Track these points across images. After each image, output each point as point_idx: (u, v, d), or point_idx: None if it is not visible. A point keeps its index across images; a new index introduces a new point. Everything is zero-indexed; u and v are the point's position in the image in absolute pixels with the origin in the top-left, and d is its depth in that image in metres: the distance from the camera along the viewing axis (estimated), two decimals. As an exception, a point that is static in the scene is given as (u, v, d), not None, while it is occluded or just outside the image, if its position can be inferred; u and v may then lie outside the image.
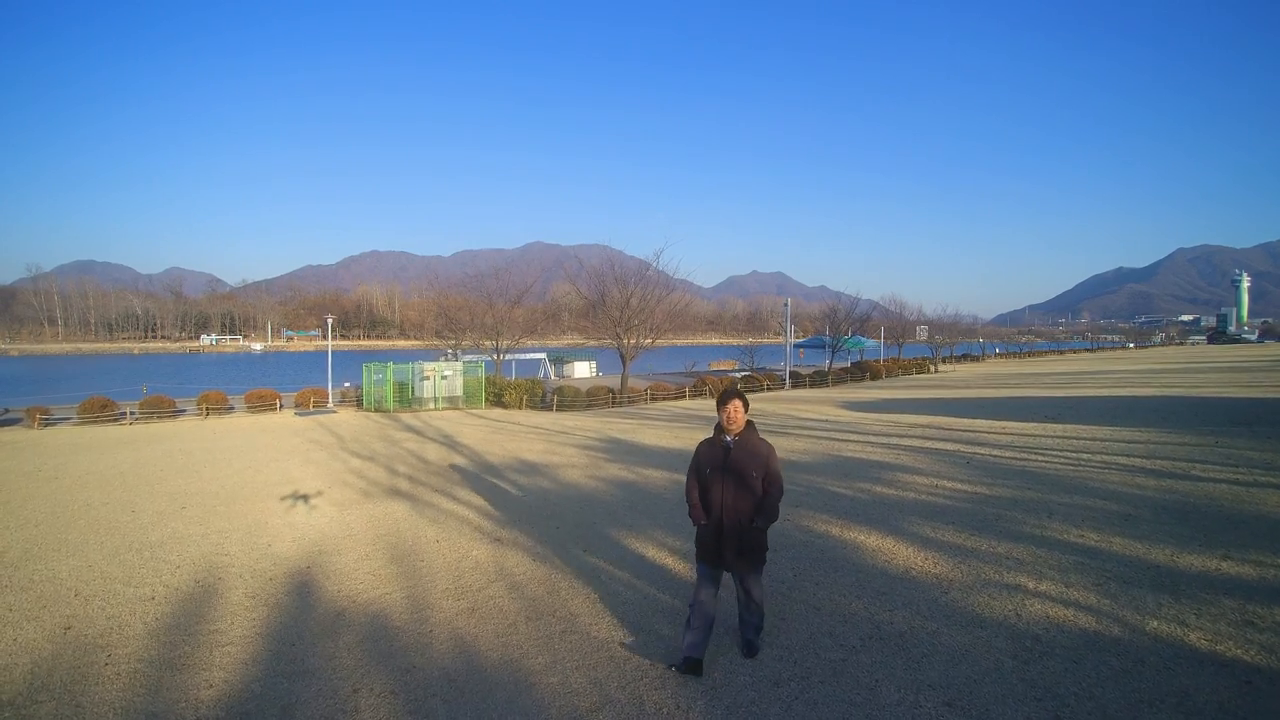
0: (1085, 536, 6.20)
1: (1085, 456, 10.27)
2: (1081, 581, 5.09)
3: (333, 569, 6.11)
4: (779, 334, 47.22)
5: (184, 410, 23.31)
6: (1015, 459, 10.34)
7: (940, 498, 7.97)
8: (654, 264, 32.52)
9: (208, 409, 22.83)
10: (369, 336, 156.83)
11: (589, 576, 5.67)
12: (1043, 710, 3.41)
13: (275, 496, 9.41)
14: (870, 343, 52.01)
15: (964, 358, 67.29)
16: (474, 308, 34.52)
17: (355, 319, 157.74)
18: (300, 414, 23.25)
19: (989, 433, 13.47)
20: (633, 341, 29.61)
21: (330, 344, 30.16)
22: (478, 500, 8.86)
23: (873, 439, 13.21)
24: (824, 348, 44.35)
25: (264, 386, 26.82)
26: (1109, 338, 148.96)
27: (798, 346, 49.69)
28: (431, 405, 25.56)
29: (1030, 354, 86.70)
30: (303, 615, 5.05)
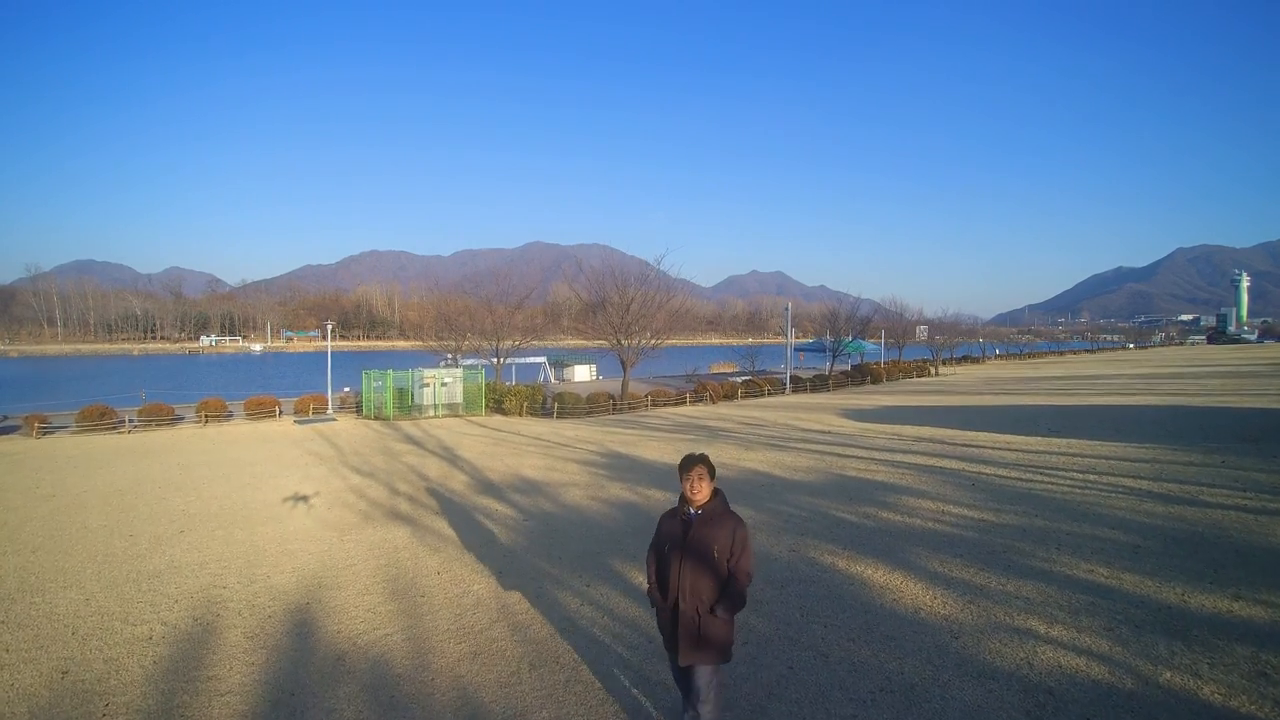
0: (1095, 572, 6.13)
1: (1091, 478, 10.21)
2: (1093, 625, 5.02)
3: (332, 605, 6.04)
4: (779, 334, 47.14)
5: (183, 417, 23.23)
6: (1020, 480, 10.28)
7: (947, 525, 7.90)
8: (656, 266, 32.50)
9: (207, 416, 22.78)
10: (369, 337, 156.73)
11: (592, 615, 5.60)
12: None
13: (274, 520, 9.33)
14: (870, 346, 51.94)
15: (964, 359, 67.30)
16: (474, 312, 34.46)
17: (355, 319, 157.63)
18: (300, 422, 23.15)
19: (992, 448, 13.41)
20: (632, 343, 29.51)
21: (330, 345, 30.09)
22: (479, 525, 8.78)
23: (876, 454, 13.14)
24: (824, 351, 44.28)
25: (263, 393, 26.79)
26: (1109, 337, 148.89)
27: (798, 349, 49.57)
28: (431, 412, 25.45)
29: (1030, 355, 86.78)
30: (302, 660, 4.98)
